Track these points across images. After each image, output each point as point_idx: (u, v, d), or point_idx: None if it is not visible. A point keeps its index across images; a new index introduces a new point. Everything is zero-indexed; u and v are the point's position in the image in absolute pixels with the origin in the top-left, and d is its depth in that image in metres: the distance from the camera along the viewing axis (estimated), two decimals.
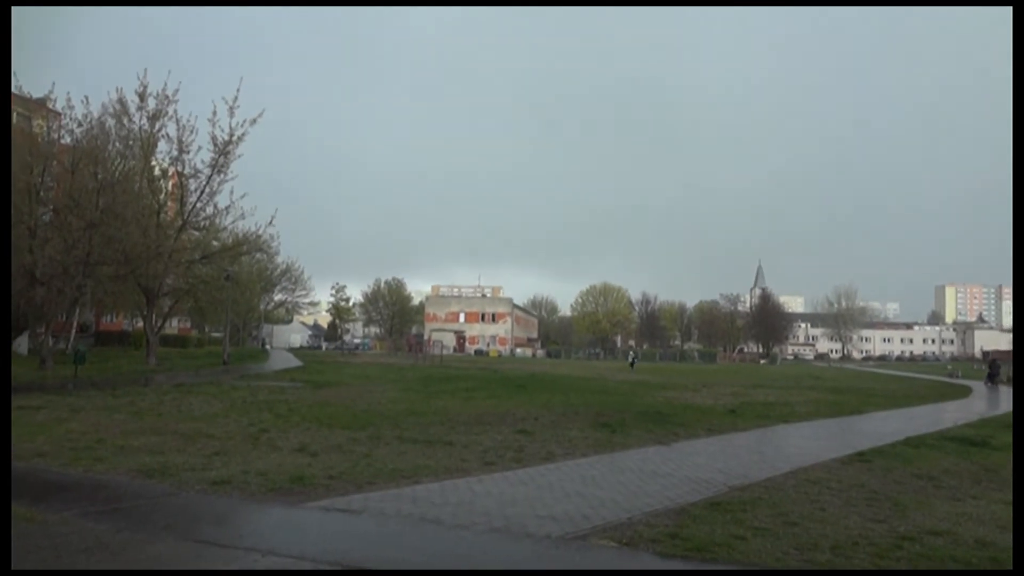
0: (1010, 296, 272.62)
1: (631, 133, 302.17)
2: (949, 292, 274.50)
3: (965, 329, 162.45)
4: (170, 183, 38.58)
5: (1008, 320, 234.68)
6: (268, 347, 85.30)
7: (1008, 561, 5.92)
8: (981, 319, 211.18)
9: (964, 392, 33.38)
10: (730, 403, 22.23)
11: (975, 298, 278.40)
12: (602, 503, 7.84)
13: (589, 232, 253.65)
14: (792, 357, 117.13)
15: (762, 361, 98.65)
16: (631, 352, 73.71)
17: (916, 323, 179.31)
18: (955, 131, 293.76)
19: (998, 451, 12.87)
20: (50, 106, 33.68)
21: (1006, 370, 43.93)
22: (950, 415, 21.22)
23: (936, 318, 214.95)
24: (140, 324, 46.56)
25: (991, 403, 27.50)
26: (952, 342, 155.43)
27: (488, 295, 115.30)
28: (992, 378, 41.84)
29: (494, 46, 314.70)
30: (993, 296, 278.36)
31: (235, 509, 7.60)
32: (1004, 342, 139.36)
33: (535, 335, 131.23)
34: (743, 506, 7.84)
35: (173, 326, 67.63)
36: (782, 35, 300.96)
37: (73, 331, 46.18)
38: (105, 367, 31.68)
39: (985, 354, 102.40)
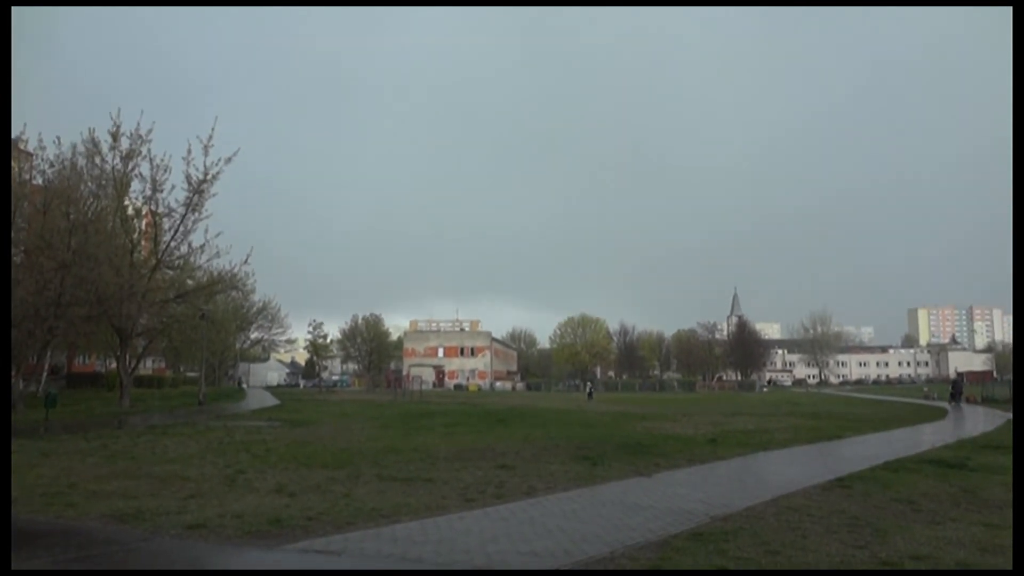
0: (982, 317, 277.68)
1: (608, 165, 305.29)
2: (922, 315, 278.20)
3: (939, 351, 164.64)
4: (144, 222, 38.31)
5: (980, 340, 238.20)
6: (245, 386, 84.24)
7: None
8: (954, 340, 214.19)
9: (940, 414, 33.71)
10: (710, 432, 22.25)
11: (947, 320, 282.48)
12: (584, 538, 7.78)
13: (566, 264, 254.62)
14: (770, 384, 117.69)
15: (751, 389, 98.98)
16: (588, 384, 74.81)
17: (891, 346, 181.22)
18: (925, 156, 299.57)
19: (976, 473, 12.99)
20: (22, 147, 33.46)
21: (969, 389, 47.68)
22: (927, 437, 21.40)
23: (910, 341, 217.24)
24: (113, 365, 45.87)
25: (967, 424, 27.76)
26: (927, 364, 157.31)
27: (467, 329, 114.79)
28: (955, 396, 44.06)
29: (472, 83, 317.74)
30: (965, 317, 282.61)
31: (211, 554, 7.44)
32: (978, 362, 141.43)
33: (515, 368, 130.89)
34: (725, 536, 7.82)
35: (147, 366, 66.75)
36: (757, 70, 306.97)
37: (44, 373, 45.33)
38: (77, 410, 31.11)
39: (959, 375, 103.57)
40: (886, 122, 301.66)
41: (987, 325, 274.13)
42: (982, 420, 29.86)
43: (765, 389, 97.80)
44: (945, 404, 43.55)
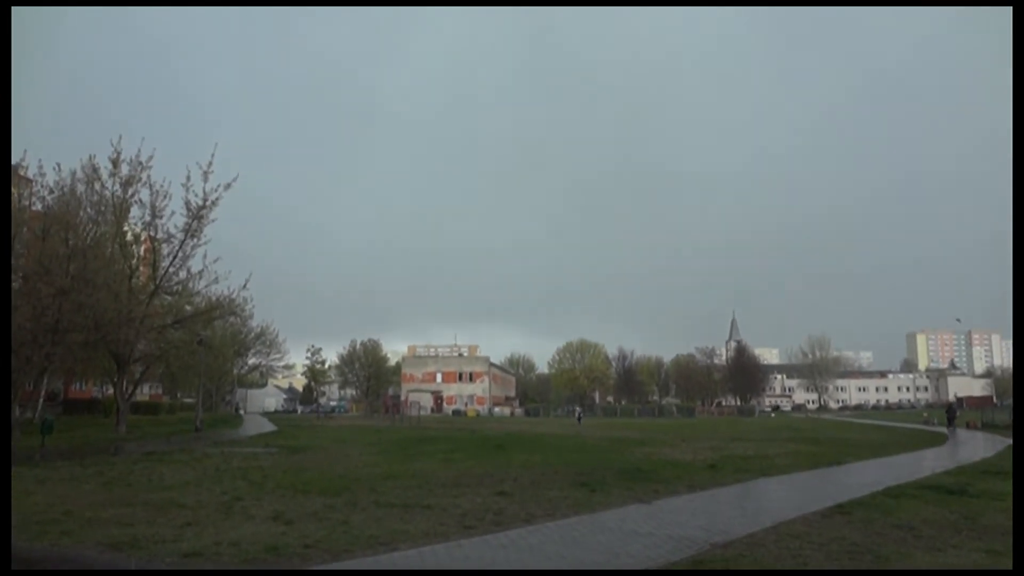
0: (981, 342, 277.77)
1: (607, 193, 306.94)
2: (920, 339, 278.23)
3: (938, 376, 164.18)
4: (143, 248, 38.36)
5: (979, 365, 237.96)
6: (242, 412, 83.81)
7: None
8: (953, 365, 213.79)
9: (940, 439, 33.60)
10: (709, 458, 22.17)
11: (946, 345, 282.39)
12: (584, 565, 7.73)
13: (565, 288, 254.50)
14: (769, 409, 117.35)
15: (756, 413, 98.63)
16: (577, 409, 77.01)
17: (890, 371, 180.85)
18: (923, 183, 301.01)
19: (976, 499, 12.93)
20: (22, 173, 33.57)
21: (969, 414, 50.33)
22: (928, 463, 21.32)
23: (909, 366, 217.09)
24: (110, 391, 45.67)
25: (966, 450, 27.65)
26: (926, 389, 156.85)
27: (465, 354, 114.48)
28: (951, 421, 45.57)
29: (471, 114, 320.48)
30: (963, 342, 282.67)
31: None
32: (977, 388, 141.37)
33: (513, 393, 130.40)
34: (725, 563, 7.79)
35: (144, 393, 66.52)
36: (752, 91, 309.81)
37: (41, 400, 45.16)
38: (73, 436, 30.93)
39: (959, 400, 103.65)
40: (883, 143, 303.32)
41: (986, 350, 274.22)
42: (982, 446, 29.77)
43: (774, 415, 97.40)
44: (943, 429, 43.78)
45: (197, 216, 35.38)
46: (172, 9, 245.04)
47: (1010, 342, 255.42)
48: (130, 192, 35.00)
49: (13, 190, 33.15)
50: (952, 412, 47.45)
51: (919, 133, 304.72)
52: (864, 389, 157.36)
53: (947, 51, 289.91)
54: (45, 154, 34.13)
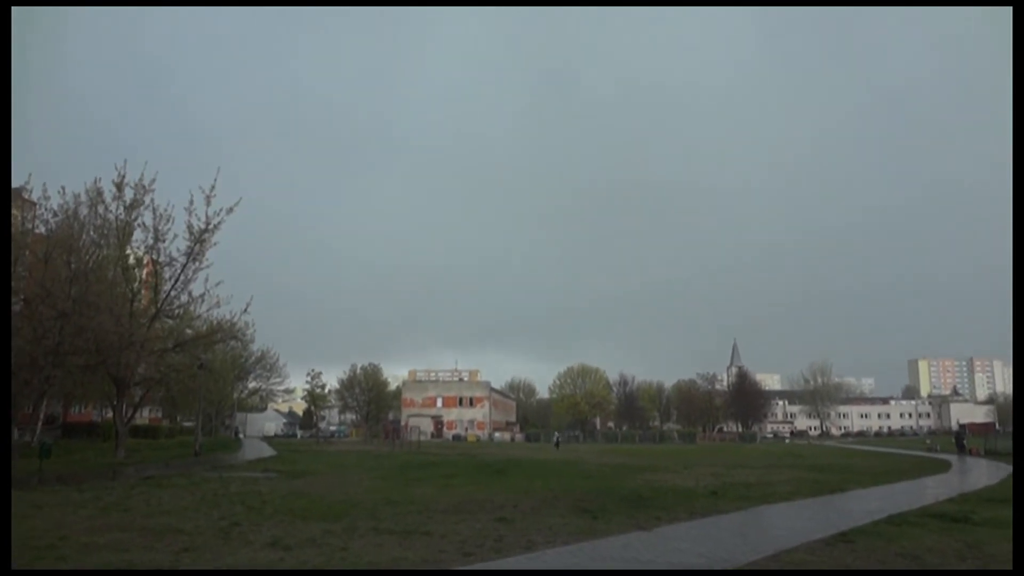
0: (983, 369, 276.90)
1: (608, 218, 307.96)
2: (922, 366, 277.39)
3: (941, 403, 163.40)
4: (144, 271, 38.41)
5: (981, 392, 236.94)
6: (241, 436, 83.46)
7: None
8: (956, 392, 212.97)
9: (944, 467, 33.33)
10: (711, 484, 22.01)
11: (948, 371, 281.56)
12: None
13: (566, 314, 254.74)
14: (771, 435, 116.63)
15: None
16: (556, 434, 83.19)
17: (892, 398, 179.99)
18: (924, 209, 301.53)
19: (980, 527, 12.82)
20: (26, 196, 33.71)
21: (972, 441, 50.94)
22: (931, 491, 21.14)
23: (911, 392, 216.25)
24: (110, 415, 45.49)
25: (971, 477, 27.45)
26: (928, 415, 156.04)
27: (465, 379, 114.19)
28: (961, 448, 46.48)
29: (472, 138, 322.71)
30: (965, 369, 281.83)
31: None
32: (980, 414, 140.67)
33: (514, 418, 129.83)
34: None
35: (144, 416, 66.22)
36: (753, 113, 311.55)
37: (39, 423, 44.96)
38: (71, 460, 30.77)
39: (961, 426, 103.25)
40: (884, 169, 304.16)
41: (988, 376, 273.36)
42: (985, 473, 29.55)
43: (768, 438, 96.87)
44: (946, 456, 43.67)
45: (199, 240, 35.49)
46: (179, 28, 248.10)
47: (1011, 369, 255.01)
48: (134, 215, 35.17)
49: (16, 212, 33.31)
50: (961, 438, 48.13)
51: (920, 156, 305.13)
52: (866, 415, 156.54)
53: (951, 67, 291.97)
54: (50, 178, 34.16)
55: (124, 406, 37.64)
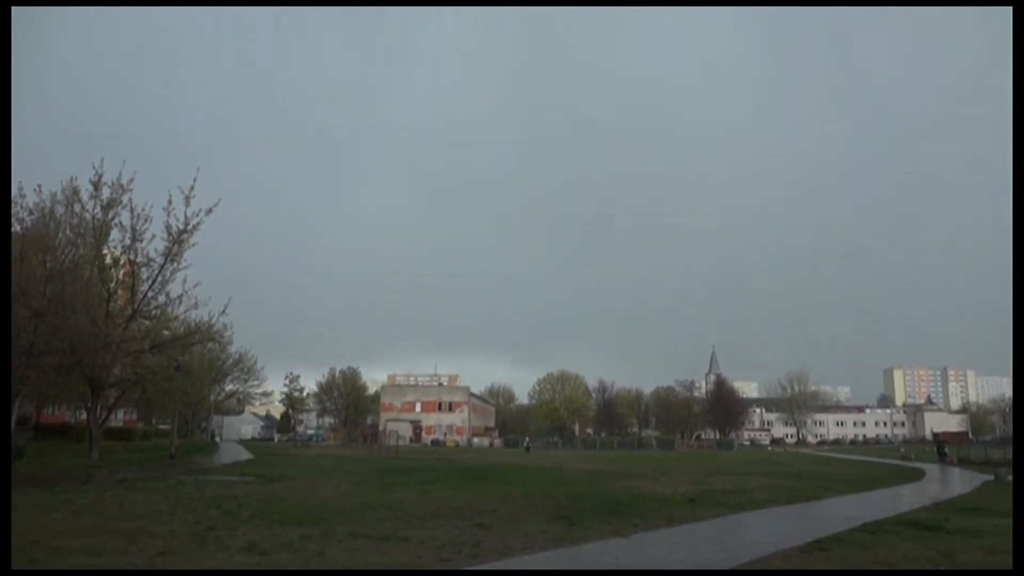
0: (956, 378, 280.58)
1: (587, 222, 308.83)
2: (897, 375, 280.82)
3: (915, 411, 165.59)
4: (121, 271, 37.94)
5: (955, 402, 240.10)
6: (218, 439, 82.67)
7: None
8: (930, 401, 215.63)
9: (918, 475, 33.75)
10: (689, 491, 22.12)
11: (922, 380, 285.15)
12: None
13: (545, 320, 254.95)
14: (749, 443, 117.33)
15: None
16: (526, 439, 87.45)
17: (867, 406, 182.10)
18: (900, 216, 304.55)
19: (954, 535, 12.96)
20: None
21: (952, 450, 51.26)
22: (905, 499, 21.38)
23: (886, 400, 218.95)
24: (84, 416, 44.88)
25: (945, 486, 27.80)
26: (903, 424, 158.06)
27: (445, 384, 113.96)
28: (942, 456, 47.26)
29: (453, 141, 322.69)
30: (939, 378, 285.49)
31: None
32: (953, 423, 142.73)
33: (492, 424, 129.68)
34: None
35: (118, 418, 65.38)
36: (737, 121, 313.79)
37: (12, 424, 44.25)
38: (44, 462, 30.34)
39: (935, 435, 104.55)
40: (860, 167, 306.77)
41: (961, 386, 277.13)
42: (958, 481, 29.93)
43: (745, 445, 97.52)
44: (920, 464, 44.18)
45: (177, 240, 35.09)
46: (179, 28, 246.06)
47: (985, 378, 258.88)
48: (111, 215, 34.73)
49: None
50: (942, 446, 49.79)
51: (909, 143, 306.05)
52: (842, 424, 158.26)
53: (941, 61, 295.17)
54: (25, 176, 33.57)
55: (99, 407, 37.16)
